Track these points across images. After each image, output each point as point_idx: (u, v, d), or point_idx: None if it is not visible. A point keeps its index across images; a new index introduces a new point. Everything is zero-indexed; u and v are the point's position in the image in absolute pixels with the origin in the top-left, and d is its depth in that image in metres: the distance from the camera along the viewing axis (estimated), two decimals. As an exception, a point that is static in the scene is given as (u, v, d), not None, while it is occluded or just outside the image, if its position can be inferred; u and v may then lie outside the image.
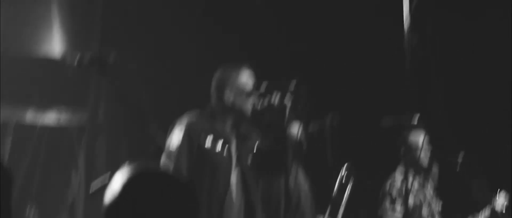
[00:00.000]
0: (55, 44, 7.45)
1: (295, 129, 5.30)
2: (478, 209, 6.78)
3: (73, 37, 7.50)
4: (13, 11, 7.60)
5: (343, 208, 5.87)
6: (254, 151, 5.24)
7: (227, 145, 5.11)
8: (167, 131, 5.09)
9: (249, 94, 5.14)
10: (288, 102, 4.98)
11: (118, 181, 2.43)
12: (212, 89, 5.23)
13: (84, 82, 7.22)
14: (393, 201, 6.40)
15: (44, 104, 7.34)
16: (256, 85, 5.17)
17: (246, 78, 5.19)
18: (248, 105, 5.15)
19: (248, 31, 7.85)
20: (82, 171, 7.39)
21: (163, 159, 4.91)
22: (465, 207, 7.04)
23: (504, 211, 6.64)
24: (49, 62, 7.34)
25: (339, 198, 5.93)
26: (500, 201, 6.65)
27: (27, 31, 7.57)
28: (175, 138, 5.04)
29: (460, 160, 6.54)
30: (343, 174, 5.91)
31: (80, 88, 7.28)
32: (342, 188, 5.93)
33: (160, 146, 4.68)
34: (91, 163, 7.42)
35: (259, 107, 5.15)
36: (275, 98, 5.04)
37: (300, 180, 5.50)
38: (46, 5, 7.84)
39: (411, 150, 6.49)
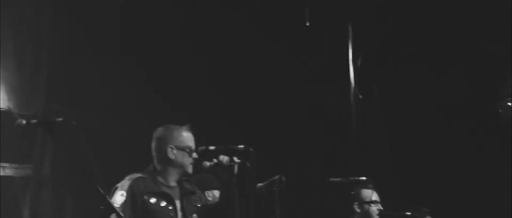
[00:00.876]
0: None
1: (243, 187, 5.39)
2: None
3: (18, 92, 7.44)
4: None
5: None
6: (199, 206, 5.35)
7: (170, 202, 5.20)
8: (110, 191, 5.12)
9: (190, 152, 5.25)
10: (236, 163, 5.09)
11: None
12: (154, 148, 5.34)
13: (29, 137, 7.20)
14: None
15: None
16: (197, 145, 5.30)
17: (187, 137, 5.30)
18: (190, 163, 5.26)
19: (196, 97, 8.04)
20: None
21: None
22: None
23: None
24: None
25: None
26: None
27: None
28: (118, 197, 5.11)
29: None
30: None
31: (24, 142, 7.19)
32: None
33: (110, 205, 4.66)
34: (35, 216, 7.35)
35: (207, 165, 5.21)
36: (223, 159, 5.12)
37: None
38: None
39: (362, 205, 6.56)
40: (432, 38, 8.21)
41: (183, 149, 5.25)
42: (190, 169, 5.28)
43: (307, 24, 6.61)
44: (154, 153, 5.32)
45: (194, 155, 5.25)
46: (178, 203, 5.26)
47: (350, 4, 7.27)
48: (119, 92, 7.83)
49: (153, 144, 5.34)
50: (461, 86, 8.35)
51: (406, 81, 8.20)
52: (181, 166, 5.27)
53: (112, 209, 4.49)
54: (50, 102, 7.62)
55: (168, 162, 5.27)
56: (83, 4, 7.92)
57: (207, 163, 5.25)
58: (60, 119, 4.44)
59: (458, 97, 8.28)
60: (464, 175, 8.40)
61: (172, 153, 5.25)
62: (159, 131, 5.35)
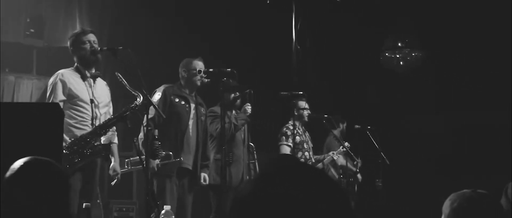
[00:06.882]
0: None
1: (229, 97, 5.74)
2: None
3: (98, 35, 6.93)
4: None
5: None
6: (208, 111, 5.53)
7: (187, 103, 5.32)
8: (151, 92, 5.24)
9: (199, 73, 5.39)
10: (226, 81, 5.24)
11: None
12: (180, 70, 5.48)
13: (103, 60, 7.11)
14: (287, 139, 6.48)
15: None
16: (205, 69, 5.37)
17: (198, 64, 5.42)
18: (198, 81, 5.40)
19: (207, 35, 7.71)
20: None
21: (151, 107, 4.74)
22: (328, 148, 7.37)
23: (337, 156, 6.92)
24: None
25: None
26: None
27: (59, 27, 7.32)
28: (156, 95, 5.26)
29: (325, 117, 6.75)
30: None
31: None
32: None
33: (150, 101, 4.62)
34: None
35: (205, 82, 5.40)
36: (219, 78, 5.23)
37: (232, 125, 5.74)
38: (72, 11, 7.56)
39: (299, 110, 6.59)
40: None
41: (194, 71, 5.37)
42: (198, 83, 5.37)
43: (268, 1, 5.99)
44: (180, 74, 5.44)
45: (202, 74, 5.35)
46: (192, 105, 5.34)
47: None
48: (164, 39, 7.57)
49: (180, 68, 5.44)
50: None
51: (326, 37, 8.13)
52: (193, 81, 5.39)
53: (151, 103, 4.59)
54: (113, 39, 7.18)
55: (186, 79, 5.41)
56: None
57: (205, 80, 5.38)
58: (121, 47, 4.60)
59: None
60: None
61: (188, 74, 5.39)
62: (183, 61, 5.46)
